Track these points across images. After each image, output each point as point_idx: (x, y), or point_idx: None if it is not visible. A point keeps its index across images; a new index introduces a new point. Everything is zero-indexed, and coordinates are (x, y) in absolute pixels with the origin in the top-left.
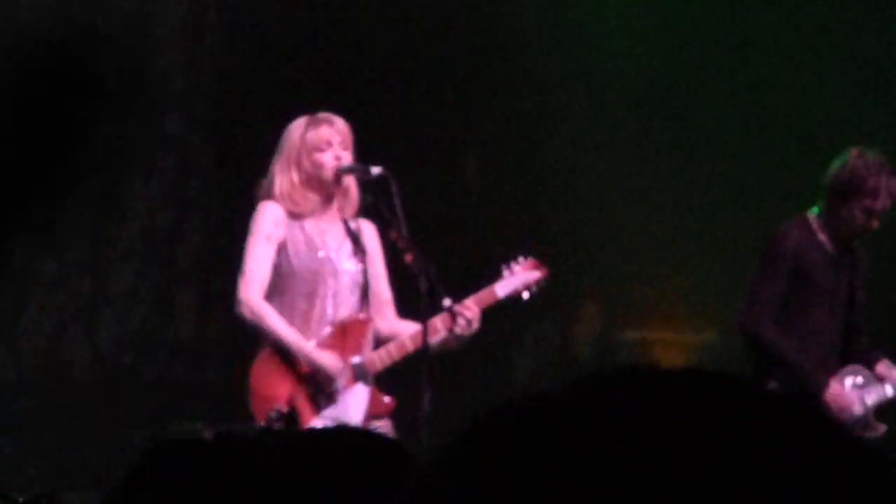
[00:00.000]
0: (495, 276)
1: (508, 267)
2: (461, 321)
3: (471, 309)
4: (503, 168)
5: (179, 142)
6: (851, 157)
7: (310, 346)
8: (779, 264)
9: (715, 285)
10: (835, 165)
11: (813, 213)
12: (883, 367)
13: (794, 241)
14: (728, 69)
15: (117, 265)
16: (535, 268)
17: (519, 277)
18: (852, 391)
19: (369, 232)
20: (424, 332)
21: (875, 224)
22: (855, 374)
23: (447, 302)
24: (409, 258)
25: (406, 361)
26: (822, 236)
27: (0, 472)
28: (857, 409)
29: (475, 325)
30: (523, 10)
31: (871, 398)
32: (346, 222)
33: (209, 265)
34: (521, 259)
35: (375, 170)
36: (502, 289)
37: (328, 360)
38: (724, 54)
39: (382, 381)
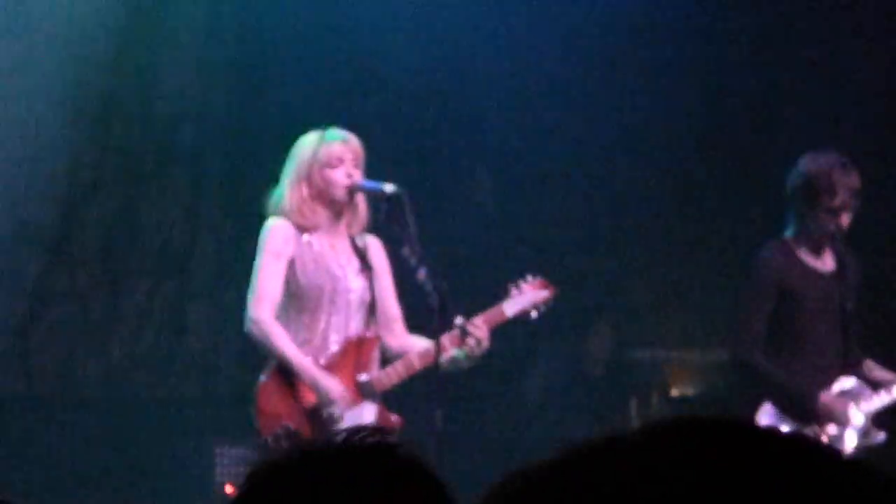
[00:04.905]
0: (503, 294)
1: (516, 285)
2: (471, 340)
3: (480, 328)
4: (516, 186)
5: (192, 157)
6: (803, 163)
7: (315, 369)
8: (763, 291)
9: (727, 305)
10: (791, 177)
11: (789, 234)
12: (879, 373)
13: (775, 266)
14: (749, 100)
15: (130, 281)
16: (543, 287)
17: (527, 296)
18: (846, 402)
19: (376, 248)
20: (437, 350)
21: (844, 221)
22: (848, 386)
23: (459, 319)
24: (421, 275)
25: (417, 379)
26: (802, 253)
27: (11, 488)
28: (853, 418)
29: (485, 343)
30: (528, 28)
31: (868, 406)
32: (353, 239)
33: (222, 281)
34: (529, 278)
35: (389, 187)
36: (511, 307)
37: (330, 383)
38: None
39: (394, 396)
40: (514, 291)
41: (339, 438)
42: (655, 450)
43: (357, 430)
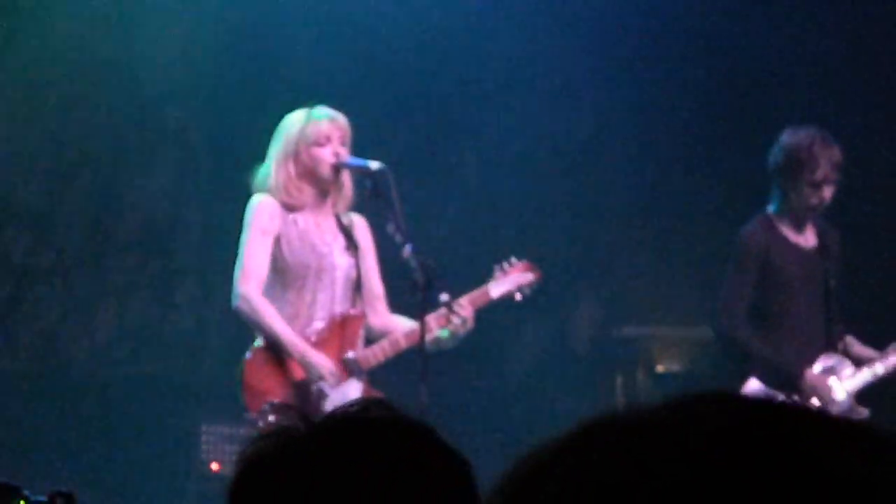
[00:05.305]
0: (488, 276)
1: (501, 267)
2: (456, 320)
3: (465, 308)
4: (502, 164)
5: (178, 135)
6: (784, 138)
7: (303, 344)
8: (747, 266)
9: (712, 281)
10: (772, 152)
11: (771, 210)
12: (861, 349)
13: (758, 241)
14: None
15: (116, 258)
16: (528, 269)
17: (512, 278)
18: (829, 379)
19: (361, 227)
20: (422, 327)
21: (827, 195)
22: (831, 363)
23: (444, 296)
24: (406, 252)
25: (401, 356)
26: (784, 229)
27: None
28: (836, 395)
29: (469, 323)
30: (517, 9)
31: (851, 384)
32: (338, 217)
33: (208, 259)
34: (513, 260)
35: (374, 164)
36: (496, 289)
37: (320, 360)
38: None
39: (380, 373)
40: (498, 273)
41: (350, 411)
42: (670, 434)
43: (368, 404)
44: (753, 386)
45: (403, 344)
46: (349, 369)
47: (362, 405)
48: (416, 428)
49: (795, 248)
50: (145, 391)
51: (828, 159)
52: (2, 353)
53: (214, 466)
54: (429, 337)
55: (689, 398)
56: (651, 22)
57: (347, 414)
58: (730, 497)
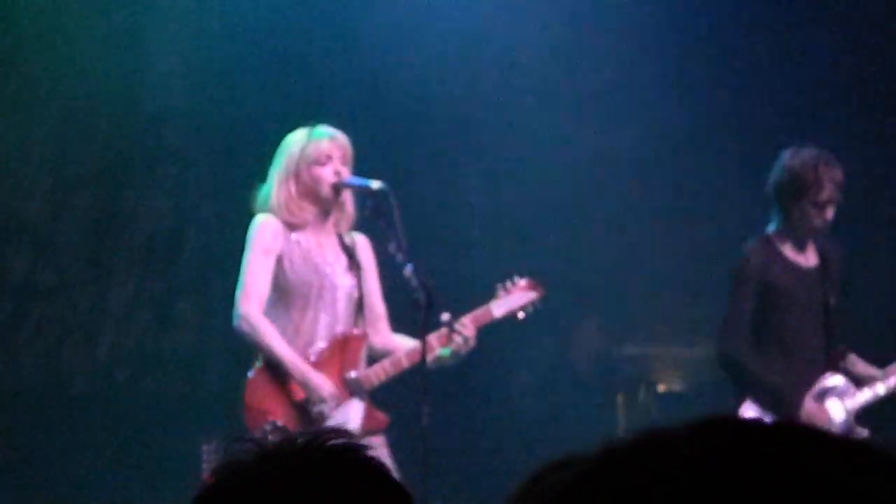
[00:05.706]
0: (491, 294)
1: (504, 286)
2: (458, 339)
3: (468, 327)
4: (504, 182)
5: (179, 153)
6: (787, 158)
7: (304, 365)
8: (746, 288)
9: (713, 300)
10: (774, 172)
11: (772, 229)
12: (863, 368)
13: (757, 262)
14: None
15: (117, 277)
16: (531, 288)
17: (515, 297)
18: (828, 402)
19: (364, 246)
20: (423, 347)
21: (829, 215)
22: (831, 382)
23: (445, 316)
24: (407, 272)
25: (403, 375)
26: (785, 249)
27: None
28: (836, 418)
29: (472, 342)
30: (516, 24)
31: (852, 404)
32: (340, 237)
33: (209, 277)
34: (517, 278)
35: (375, 184)
36: (498, 308)
37: (320, 381)
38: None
39: (381, 393)
40: (501, 292)
41: (301, 441)
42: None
43: (319, 433)
44: (749, 408)
45: (405, 363)
46: (351, 389)
47: (315, 434)
48: (364, 460)
49: (795, 268)
50: (146, 409)
51: (832, 180)
52: (3, 372)
53: None
54: (430, 356)
55: (696, 421)
56: (660, 39)
57: (295, 445)
58: (731, 499)
